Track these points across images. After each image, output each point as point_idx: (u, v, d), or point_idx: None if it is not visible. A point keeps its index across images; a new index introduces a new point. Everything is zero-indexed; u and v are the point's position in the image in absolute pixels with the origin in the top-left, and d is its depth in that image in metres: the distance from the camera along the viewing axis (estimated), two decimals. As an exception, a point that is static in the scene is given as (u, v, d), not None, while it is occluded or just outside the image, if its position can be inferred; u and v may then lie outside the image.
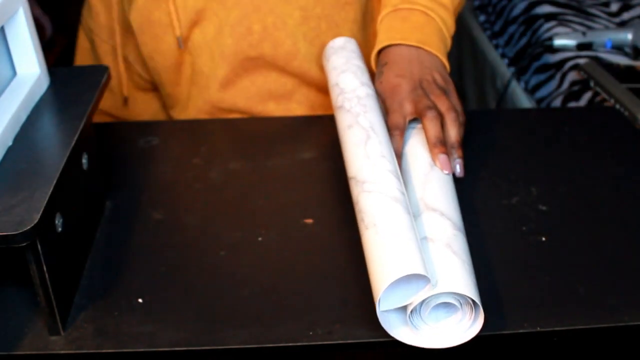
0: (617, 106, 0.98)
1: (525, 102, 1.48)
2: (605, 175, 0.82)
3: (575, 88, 1.29)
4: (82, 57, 1.08)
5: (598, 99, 1.20)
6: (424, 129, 0.76)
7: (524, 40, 1.59)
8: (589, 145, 0.88)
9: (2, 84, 0.69)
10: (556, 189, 0.79)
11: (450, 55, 0.87)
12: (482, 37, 1.83)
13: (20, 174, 0.61)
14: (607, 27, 1.47)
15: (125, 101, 1.03)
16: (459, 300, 0.59)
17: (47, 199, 0.57)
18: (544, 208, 0.76)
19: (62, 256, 0.62)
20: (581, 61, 1.25)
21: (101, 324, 0.63)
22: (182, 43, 0.93)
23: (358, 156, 0.70)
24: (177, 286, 0.67)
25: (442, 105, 0.78)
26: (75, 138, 0.65)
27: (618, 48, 1.29)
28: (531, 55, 1.43)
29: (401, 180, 0.68)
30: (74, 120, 0.68)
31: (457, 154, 0.76)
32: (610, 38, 1.25)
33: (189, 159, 0.85)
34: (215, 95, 0.96)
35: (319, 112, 0.98)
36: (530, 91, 1.47)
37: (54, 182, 0.59)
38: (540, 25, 1.53)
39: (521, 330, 0.62)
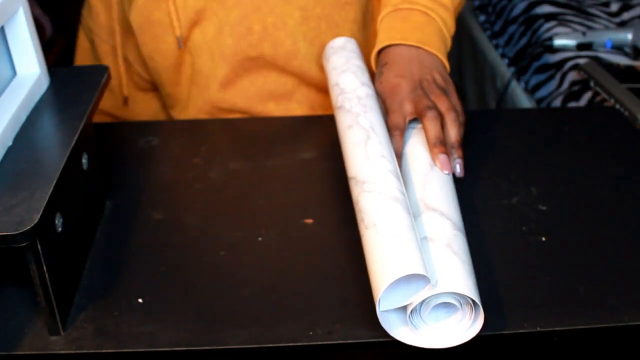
0: (617, 106, 0.98)
1: (525, 102, 1.48)
2: (605, 175, 0.82)
3: (575, 88, 1.29)
4: (82, 57, 1.08)
5: (598, 99, 1.20)
6: (424, 129, 0.76)
7: (524, 40, 1.59)
8: (589, 145, 0.88)
9: (2, 84, 0.69)
10: (556, 189, 0.79)
11: (450, 55, 0.87)
12: (482, 37, 1.83)
13: (20, 174, 0.61)
14: (607, 27, 1.47)
15: (125, 101, 1.03)
16: (459, 300, 0.59)
17: (47, 199, 0.57)
18: (544, 208, 0.76)
19: (62, 256, 0.62)
20: (581, 61, 1.25)
21: (101, 324, 0.63)
22: (182, 43, 0.93)
23: (358, 156, 0.70)
24: (177, 286, 0.67)
25: (442, 105, 0.78)
26: (75, 138, 0.65)
27: (618, 48, 1.29)
28: (531, 55, 1.43)
29: (401, 180, 0.68)
30: (74, 120, 0.68)
31: (457, 154, 0.76)
32: (610, 38, 1.25)
33: (189, 159, 0.85)
34: (215, 95, 0.96)
35: (319, 112, 0.98)
36: (530, 91, 1.47)
37: (54, 182, 0.59)
38: (540, 25, 1.53)
39: (521, 330, 0.62)
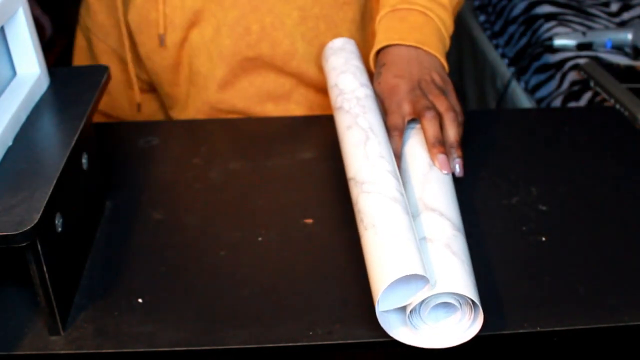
0: (617, 106, 0.98)
1: (525, 102, 1.48)
2: (605, 175, 0.82)
3: (575, 88, 1.29)
4: (80, 56, 1.08)
5: (598, 99, 1.20)
6: (423, 129, 0.76)
7: (524, 40, 1.59)
8: (589, 145, 0.88)
9: (2, 84, 0.69)
10: (556, 189, 0.79)
11: (450, 55, 0.87)
12: (482, 37, 1.83)
13: (20, 174, 0.61)
14: (607, 27, 1.47)
15: (139, 107, 1.02)
16: (458, 300, 0.59)
17: (47, 199, 0.57)
18: (544, 208, 0.76)
19: (62, 256, 0.62)
20: (581, 61, 1.25)
21: (101, 324, 0.63)
22: (166, 42, 0.93)
23: (357, 157, 0.70)
24: (177, 286, 0.67)
25: (441, 105, 0.78)
26: (75, 138, 0.66)
27: (618, 48, 1.29)
28: (531, 55, 1.43)
29: (400, 181, 0.68)
30: (74, 120, 0.68)
31: (456, 154, 0.76)
32: (610, 38, 1.25)
33: (189, 159, 0.85)
34: (213, 96, 0.96)
35: (318, 113, 0.98)
36: (530, 91, 1.47)
37: (54, 182, 0.59)
38: (540, 25, 1.53)
39: (521, 330, 0.62)
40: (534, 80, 1.46)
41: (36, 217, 0.55)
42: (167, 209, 0.77)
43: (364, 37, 0.98)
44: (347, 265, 0.68)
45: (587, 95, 1.25)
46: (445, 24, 0.86)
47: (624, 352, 0.66)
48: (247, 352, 0.61)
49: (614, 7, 1.55)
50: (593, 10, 1.55)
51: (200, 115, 0.98)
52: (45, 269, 0.58)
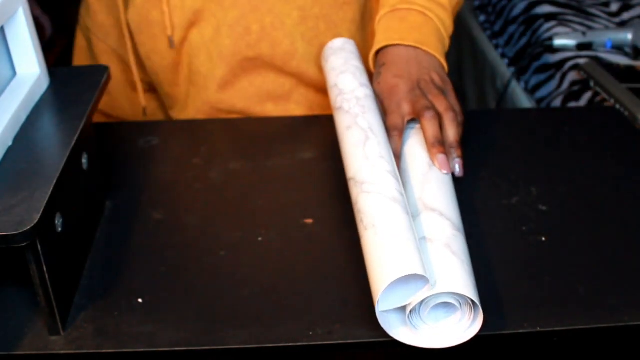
0: (617, 106, 0.98)
1: (525, 102, 1.48)
2: (605, 175, 0.82)
3: (575, 88, 1.29)
4: (80, 56, 1.08)
5: (598, 99, 1.20)
6: (423, 129, 0.76)
7: (524, 40, 1.59)
8: (589, 145, 0.88)
9: (2, 84, 0.69)
10: (556, 189, 0.79)
11: (449, 55, 0.87)
12: (482, 37, 1.83)
13: (20, 174, 0.61)
14: (607, 27, 1.47)
15: (144, 112, 1.02)
16: (458, 300, 0.59)
17: (47, 199, 0.57)
18: (544, 208, 0.76)
19: (62, 256, 0.62)
20: (581, 61, 1.25)
21: (101, 324, 0.63)
22: (174, 43, 0.93)
23: (357, 157, 0.70)
24: (177, 286, 0.67)
25: (440, 105, 0.78)
26: (75, 138, 0.66)
27: (618, 48, 1.29)
28: (531, 55, 1.43)
29: (400, 181, 0.68)
30: (74, 120, 0.68)
31: (456, 154, 0.76)
32: (610, 38, 1.25)
33: (189, 159, 0.85)
34: (213, 96, 0.96)
35: (318, 113, 0.98)
36: (530, 91, 1.47)
37: (54, 182, 0.59)
38: (540, 25, 1.53)
39: (521, 330, 0.62)
40: (534, 80, 1.46)
41: (36, 217, 0.55)
42: (167, 209, 0.77)
43: (364, 37, 0.98)
44: (347, 265, 0.68)
45: (587, 95, 1.25)
46: (444, 24, 0.86)
47: (624, 352, 0.66)
48: (247, 352, 0.61)
49: (614, 7, 1.55)
50: (593, 10, 1.55)
51: (200, 115, 0.98)
52: (45, 269, 0.58)
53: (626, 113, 0.95)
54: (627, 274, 0.68)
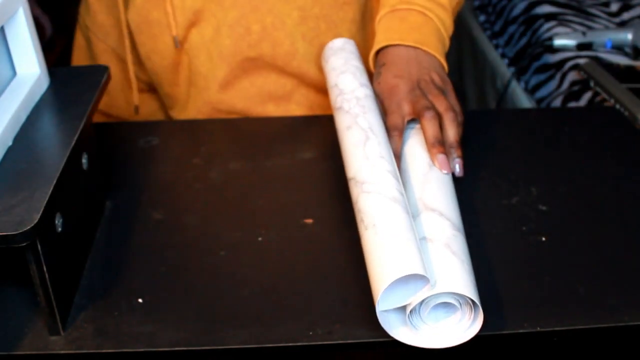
0: (617, 106, 0.98)
1: (525, 102, 1.48)
2: (605, 175, 0.82)
3: (575, 88, 1.29)
4: (79, 55, 1.07)
5: (598, 99, 1.20)
6: (423, 129, 0.76)
7: (524, 40, 1.59)
8: (589, 145, 0.88)
9: (2, 84, 0.69)
10: (556, 189, 0.79)
11: (449, 55, 0.87)
12: (482, 37, 1.83)
13: (20, 174, 0.61)
14: (607, 27, 1.47)
15: (136, 110, 1.02)
16: (458, 300, 0.59)
17: (47, 199, 0.57)
18: (544, 208, 0.76)
19: (62, 256, 0.62)
20: (581, 61, 1.25)
21: (101, 324, 0.63)
22: (179, 43, 0.93)
23: (357, 157, 0.70)
24: (177, 286, 0.67)
25: (440, 105, 0.78)
26: (75, 138, 0.66)
27: (618, 48, 1.29)
28: (531, 55, 1.43)
29: (400, 181, 0.68)
30: (74, 120, 0.68)
31: (456, 154, 0.76)
32: (610, 38, 1.25)
33: (189, 159, 0.85)
34: (214, 97, 0.96)
35: (318, 113, 0.98)
36: (530, 91, 1.47)
37: (54, 182, 0.59)
38: (540, 25, 1.53)
39: (521, 330, 0.62)
40: (534, 80, 1.46)
41: (36, 217, 0.55)
42: (167, 209, 0.77)
43: (364, 37, 0.98)
44: (347, 265, 0.68)
45: (587, 95, 1.25)
46: (444, 24, 0.86)
47: (624, 352, 0.66)
48: (247, 352, 0.61)
49: (614, 7, 1.56)
50: (593, 10, 1.55)
51: (200, 116, 0.98)
52: (45, 269, 0.58)
53: (626, 113, 0.95)
54: (627, 274, 0.68)
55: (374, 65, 0.86)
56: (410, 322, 0.59)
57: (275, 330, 0.62)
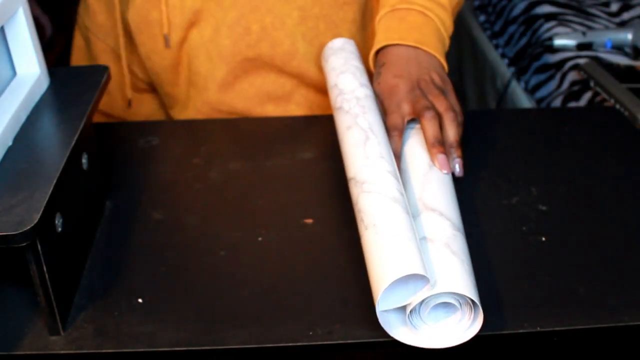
0: (617, 106, 0.98)
1: (525, 102, 1.48)
2: (605, 175, 0.82)
3: (575, 88, 1.29)
4: (78, 55, 1.07)
5: (598, 99, 1.20)
6: (423, 129, 0.76)
7: (524, 40, 1.59)
8: (589, 145, 0.88)
9: (2, 84, 0.69)
10: (556, 189, 0.79)
11: (449, 55, 0.87)
12: (482, 37, 1.83)
13: (20, 174, 0.61)
14: (607, 27, 1.47)
15: (130, 103, 1.02)
16: (458, 300, 0.59)
17: (47, 199, 0.57)
18: (544, 208, 0.76)
19: (62, 256, 0.62)
20: (581, 61, 1.25)
21: (101, 324, 0.63)
22: (170, 42, 0.93)
23: (357, 157, 0.70)
24: (177, 286, 0.67)
25: (440, 105, 0.78)
26: (75, 138, 0.66)
27: (618, 48, 1.29)
28: (531, 55, 1.43)
29: (400, 181, 0.68)
30: (74, 120, 0.68)
31: (456, 154, 0.76)
32: (610, 38, 1.25)
33: (189, 159, 0.85)
34: (213, 97, 0.96)
35: (318, 113, 0.98)
36: (530, 91, 1.47)
37: (54, 182, 0.59)
38: (540, 25, 1.53)
39: (521, 330, 0.62)
40: (534, 80, 1.46)
41: (36, 217, 0.55)
42: (167, 209, 0.77)
43: (364, 37, 0.98)
44: (347, 265, 0.68)
45: (587, 95, 1.25)
46: (444, 24, 0.86)
47: (624, 352, 0.66)
48: (247, 352, 0.61)
49: (614, 7, 1.55)
50: (593, 10, 1.55)
51: (200, 116, 0.98)
52: (45, 269, 0.58)
53: (626, 113, 0.95)
54: (627, 274, 0.68)
55: (374, 65, 0.86)
56: (410, 322, 0.59)
57: (275, 330, 0.62)
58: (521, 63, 1.45)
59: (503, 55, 1.69)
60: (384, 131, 0.75)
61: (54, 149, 0.65)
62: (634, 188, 0.80)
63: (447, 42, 0.87)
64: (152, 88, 1.04)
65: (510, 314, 0.63)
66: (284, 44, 0.93)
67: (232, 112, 0.97)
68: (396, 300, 0.59)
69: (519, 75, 1.53)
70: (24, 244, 0.55)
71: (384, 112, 0.80)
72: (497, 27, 1.77)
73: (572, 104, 1.27)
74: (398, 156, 0.75)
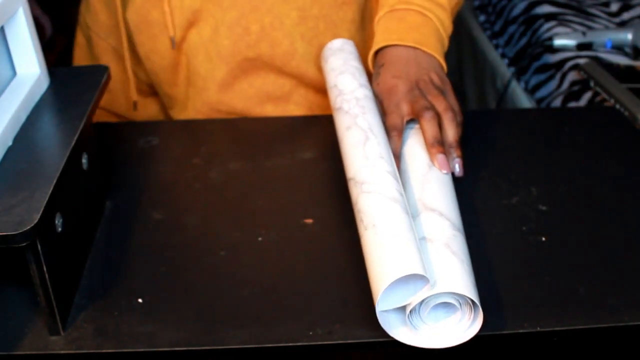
0: (617, 106, 0.98)
1: (525, 102, 1.48)
2: (605, 175, 0.82)
3: (575, 88, 1.29)
4: (80, 54, 1.07)
5: (598, 99, 1.20)
6: (422, 129, 0.76)
7: (524, 40, 1.59)
8: (589, 145, 0.88)
9: (2, 84, 0.69)
10: (556, 189, 0.79)
11: (449, 55, 0.87)
12: (482, 37, 1.83)
13: (20, 174, 0.61)
14: (607, 27, 1.47)
15: (135, 106, 1.02)
16: (458, 300, 0.59)
17: (47, 199, 0.57)
18: (544, 208, 0.76)
19: (62, 256, 0.62)
20: (581, 61, 1.25)
21: (101, 324, 0.63)
22: (176, 43, 0.93)
23: (357, 157, 0.70)
24: (177, 286, 0.67)
25: (440, 105, 0.78)
26: (75, 138, 0.66)
27: (618, 48, 1.29)
28: (531, 55, 1.43)
29: (399, 181, 0.68)
30: (74, 120, 0.68)
31: (455, 154, 0.76)
32: (610, 38, 1.25)
33: (189, 159, 0.85)
34: (213, 97, 0.96)
35: (317, 114, 0.98)
36: (530, 91, 1.47)
37: (54, 182, 0.59)
38: (540, 25, 1.53)
39: (521, 330, 0.62)
40: (534, 80, 1.46)
41: (36, 217, 0.55)
42: (167, 209, 0.77)
43: (363, 37, 0.98)
44: (347, 265, 0.68)
45: (587, 95, 1.25)
46: (443, 24, 0.86)
47: (624, 352, 0.66)
48: (247, 352, 0.61)
49: (614, 7, 1.56)
50: (593, 10, 1.55)
51: (199, 116, 0.98)
52: (45, 269, 0.58)
53: (626, 113, 0.95)
54: (627, 274, 0.68)
55: (373, 65, 0.86)
56: (410, 322, 0.59)
57: (275, 330, 0.62)
58: (521, 63, 1.46)
59: (503, 55, 1.69)
60: (384, 131, 0.75)
61: (54, 149, 0.65)
62: (634, 188, 0.80)
63: (446, 42, 0.87)
64: (154, 90, 1.04)
65: (510, 314, 0.63)
66: (283, 44, 0.93)
67: (231, 112, 0.97)
68: (396, 301, 0.59)
69: (519, 75, 1.53)
70: (24, 244, 0.55)
71: (383, 113, 0.80)
72: (497, 27, 1.77)
73: (572, 104, 1.27)
74: (397, 156, 0.75)
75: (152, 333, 0.62)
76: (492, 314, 0.62)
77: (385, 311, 0.60)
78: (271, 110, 0.98)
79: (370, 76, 0.85)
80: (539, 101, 1.42)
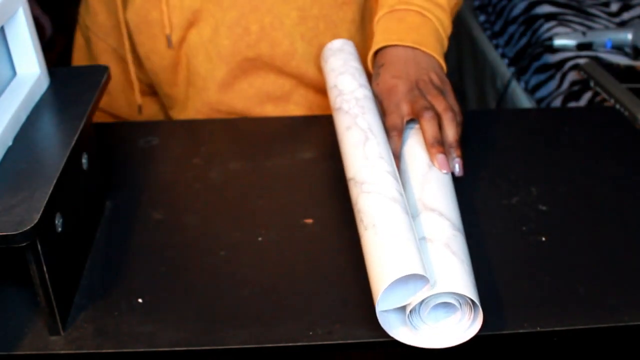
0: (617, 106, 0.98)
1: (525, 102, 1.48)
2: (605, 175, 0.82)
3: (575, 88, 1.29)
4: (79, 55, 1.07)
5: (598, 99, 1.20)
6: (422, 129, 0.76)
7: (524, 40, 1.59)
8: (589, 145, 0.88)
9: (2, 84, 0.69)
10: (556, 189, 0.79)
11: (449, 55, 0.87)
12: (482, 37, 1.83)
13: (20, 174, 0.61)
14: (607, 27, 1.47)
15: (140, 110, 1.02)
16: (458, 300, 0.59)
17: (47, 199, 0.57)
18: (544, 208, 0.76)
19: (62, 256, 0.62)
20: (581, 61, 1.25)
21: (101, 324, 0.63)
22: (172, 42, 0.93)
23: (357, 157, 0.70)
24: (177, 286, 0.67)
25: (439, 105, 0.78)
26: (75, 138, 0.66)
27: (618, 48, 1.29)
28: (531, 55, 1.43)
29: (399, 181, 0.68)
30: (74, 120, 0.68)
31: (455, 154, 0.76)
32: (610, 38, 1.25)
33: (189, 159, 0.85)
34: (213, 97, 0.96)
35: (317, 114, 0.98)
36: (530, 91, 1.47)
37: (54, 182, 0.59)
38: (540, 25, 1.53)
39: (521, 330, 0.62)
40: (534, 80, 1.46)
41: (36, 217, 0.55)
42: (167, 209, 0.77)
43: (363, 37, 0.98)
44: (347, 265, 0.68)
45: (587, 95, 1.25)
46: (443, 24, 0.86)
47: (624, 352, 0.66)
48: (247, 352, 0.61)
49: (614, 7, 1.55)
50: (593, 10, 1.55)
51: (199, 116, 0.98)
52: (45, 269, 0.58)
53: (626, 113, 0.95)
54: (627, 274, 0.68)
55: (373, 65, 0.86)
56: (410, 322, 0.59)
57: (275, 330, 0.62)
58: (521, 63, 1.45)
59: (503, 55, 1.69)
60: (384, 132, 0.75)
61: (54, 149, 0.65)
62: (634, 188, 0.80)
63: (445, 42, 0.87)
64: (154, 91, 1.04)
65: (510, 314, 0.63)
66: (283, 44, 0.93)
67: (231, 112, 0.97)
68: (396, 301, 0.59)
69: (519, 75, 1.53)
70: (24, 244, 0.55)
71: (383, 113, 0.80)
72: (497, 27, 1.77)
73: (572, 104, 1.27)
74: (397, 156, 0.75)
75: (152, 333, 0.62)
76: (492, 314, 0.62)
77: (385, 311, 0.60)
78: (271, 110, 0.98)
79: (370, 76, 0.85)
80: (539, 101, 1.42)
